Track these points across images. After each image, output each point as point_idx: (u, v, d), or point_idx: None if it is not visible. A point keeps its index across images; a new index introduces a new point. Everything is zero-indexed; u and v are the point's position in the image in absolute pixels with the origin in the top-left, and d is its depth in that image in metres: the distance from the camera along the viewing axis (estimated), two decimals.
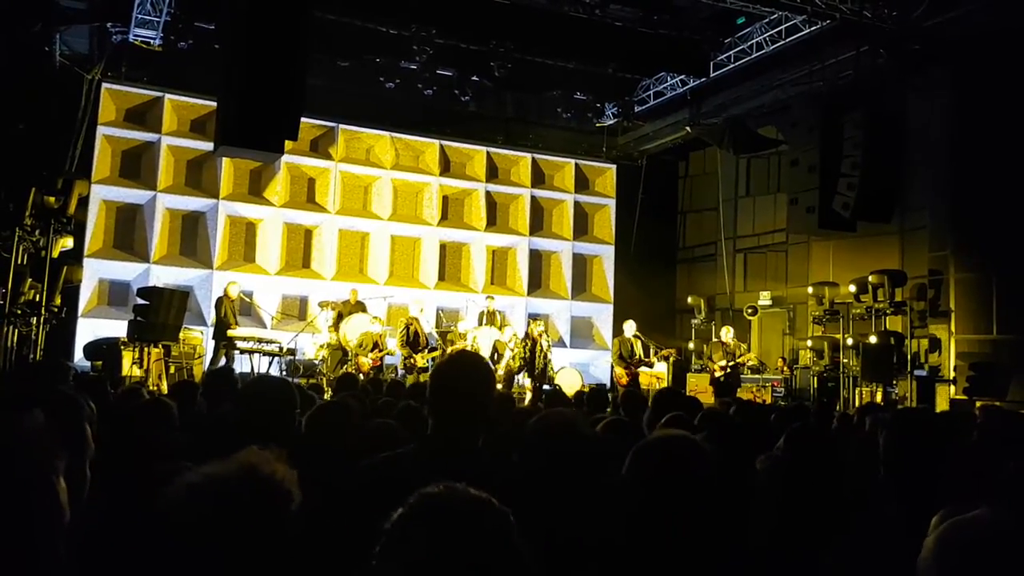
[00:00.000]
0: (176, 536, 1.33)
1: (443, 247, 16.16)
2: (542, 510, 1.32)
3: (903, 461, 2.45)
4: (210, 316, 13.12)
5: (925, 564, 1.33)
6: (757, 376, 13.52)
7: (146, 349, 10.59)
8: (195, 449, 2.79)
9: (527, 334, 12.90)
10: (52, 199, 9.98)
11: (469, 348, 12.41)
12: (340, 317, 12.82)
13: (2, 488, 1.23)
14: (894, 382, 12.02)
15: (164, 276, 13.66)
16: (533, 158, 16.85)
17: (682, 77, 15.33)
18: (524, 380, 12.97)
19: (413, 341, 12.40)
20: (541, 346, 12.66)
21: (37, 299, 9.85)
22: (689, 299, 16.53)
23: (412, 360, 12.25)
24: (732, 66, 14.11)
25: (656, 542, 1.81)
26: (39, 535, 1.27)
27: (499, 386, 11.78)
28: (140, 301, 10.84)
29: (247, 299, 13.21)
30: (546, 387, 12.33)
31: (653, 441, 1.97)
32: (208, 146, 12.84)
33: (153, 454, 2.65)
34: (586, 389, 11.12)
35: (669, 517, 1.81)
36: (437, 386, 2.31)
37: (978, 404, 9.89)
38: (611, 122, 17.12)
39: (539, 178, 16.97)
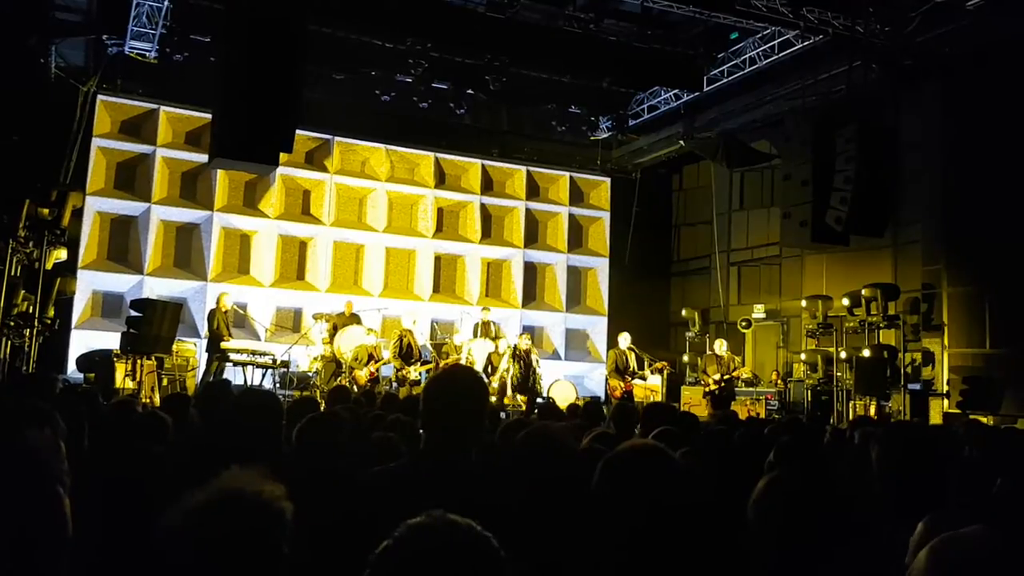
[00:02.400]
0: (176, 566, 1.33)
1: (438, 259, 16.16)
2: (531, 525, 1.31)
3: (898, 475, 2.45)
4: (203, 328, 13.09)
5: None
6: (751, 389, 13.51)
7: (139, 361, 10.53)
8: (182, 463, 2.77)
9: (518, 349, 12.78)
10: (46, 211, 9.97)
11: (464, 360, 12.39)
12: (335, 329, 12.79)
13: (14, 499, 1.24)
14: (888, 394, 12.03)
15: (158, 288, 13.61)
16: (528, 171, 16.89)
17: (676, 91, 15.40)
18: (515, 395, 12.87)
19: (406, 353, 12.37)
20: (531, 361, 12.61)
21: (30, 311, 9.82)
22: (683, 312, 16.54)
23: (404, 372, 12.21)
24: (725, 80, 14.19)
25: (629, 555, 1.79)
26: (45, 545, 1.27)
27: (493, 399, 11.78)
28: (133, 313, 10.80)
29: (241, 311, 13.18)
30: (539, 399, 12.31)
31: (619, 452, 1.95)
32: (203, 158, 12.84)
33: (142, 468, 2.64)
34: (580, 402, 11.10)
35: (638, 528, 1.79)
36: (430, 400, 2.30)
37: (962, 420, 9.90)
38: (605, 135, 17.19)
39: (534, 191, 17.00)
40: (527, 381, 12.49)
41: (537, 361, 13.05)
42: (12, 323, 9.58)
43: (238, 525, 1.35)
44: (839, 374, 12.78)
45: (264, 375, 11.84)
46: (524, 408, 12.02)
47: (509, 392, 12.71)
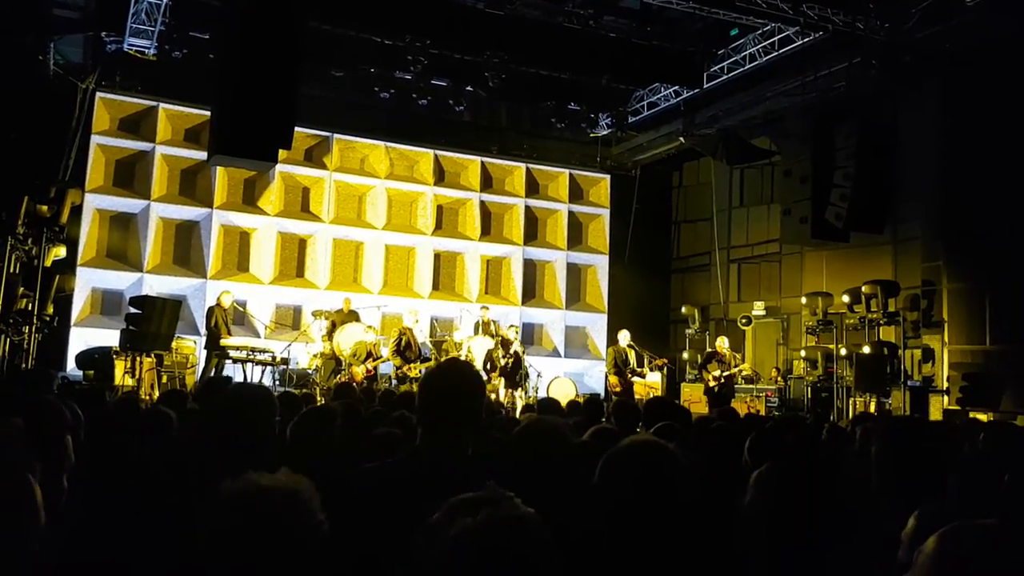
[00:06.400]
0: (211, 542, 1.34)
1: (437, 256, 16.15)
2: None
3: (896, 469, 2.44)
4: (203, 326, 13.07)
5: (923, 563, 1.32)
6: (751, 386, 13.52)
7: (138, 358, 10.53)
8: (175, 459, 2.76)
9: (505, 340, 12.56)
10: (45, 208, 9.98)
11: (464, 358, 12.35)
12: (334, 326, 12.79)
13: None
14: (888, 391, 12.03)
15: (157, 285, 13.61)
16: (527, 168, 16.87)
17: (676, 88, 15.37)
18: (506, 390, 12.60)
19: (404, 350, 12.33)
20: (516, 352, 12.38)
21: (29, 308, 9.82)
22: (683, 309, 16.54)
23: (404, 370, 12.18)
24: (725, 77, 14.16)
25: (629, 549, 1.79)
26: (14, 534, 1.27)
27: (492, 396, 11.74)
28: (132, 310, 10.80)
29: (240, 308, 13.17)
30: (541, 396, 12.25)
31: (623, 448, 1.94)
32: (202, 155, 12.84)
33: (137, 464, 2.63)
34: (580, 399, 11.07)
35: (640, 523, 1.78)
36: (426, 395, 2.29)
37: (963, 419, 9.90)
38: (605, 132, 17.15)
39: (533, 188, 16.99)
40: (516, 375, 12.33)
41: (523, 349, 12.86)
42: (11, 320, 9.58)
43: (287, 517, 1.40)
44: (839, 371, 12.78)
45: (264, 372, 11.83)
46: (507, 401, 11.86)
47: (495, 378, 12.36)
